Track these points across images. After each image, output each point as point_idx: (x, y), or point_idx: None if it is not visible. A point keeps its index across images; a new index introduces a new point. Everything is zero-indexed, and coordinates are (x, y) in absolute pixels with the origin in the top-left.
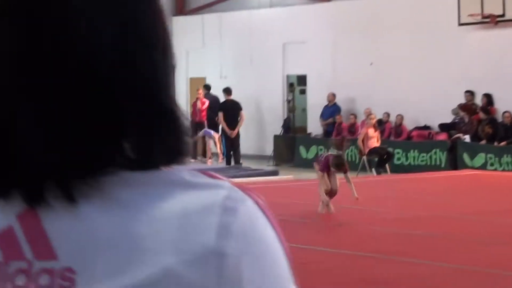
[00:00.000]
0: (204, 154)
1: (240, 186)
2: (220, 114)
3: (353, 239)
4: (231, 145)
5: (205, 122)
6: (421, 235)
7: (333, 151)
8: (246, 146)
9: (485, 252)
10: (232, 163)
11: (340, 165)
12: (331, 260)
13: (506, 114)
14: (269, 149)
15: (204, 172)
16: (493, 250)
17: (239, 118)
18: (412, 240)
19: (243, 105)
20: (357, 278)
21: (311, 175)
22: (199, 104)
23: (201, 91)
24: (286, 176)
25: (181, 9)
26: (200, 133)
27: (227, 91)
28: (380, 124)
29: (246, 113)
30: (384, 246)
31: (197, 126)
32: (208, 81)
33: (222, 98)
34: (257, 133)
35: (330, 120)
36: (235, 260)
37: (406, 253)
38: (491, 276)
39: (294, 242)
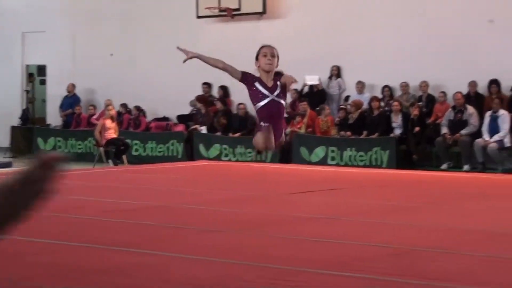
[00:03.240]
0: None
1: None
2: None
3: (80, 228)
4: None
5: None
6: (146, 225)
7: None
8: None
9: (204, 240)
10: None
11: None
12: (55, 251)
13: (241, 106)
14: (6, 141)
15: None
16: (211, 238)
17: None
18: (137, 230)
19: None
20: (86, 268)
21: None
22: None
23: None
24: (21, 168)
25: None
26: None
27: None
28: (120, 115)
29: None
30: (108, 236)
31: None
32: None
33: None
34: None
35: (70, 111)
36: None
37: (129, 243)
38: (204, 263)
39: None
